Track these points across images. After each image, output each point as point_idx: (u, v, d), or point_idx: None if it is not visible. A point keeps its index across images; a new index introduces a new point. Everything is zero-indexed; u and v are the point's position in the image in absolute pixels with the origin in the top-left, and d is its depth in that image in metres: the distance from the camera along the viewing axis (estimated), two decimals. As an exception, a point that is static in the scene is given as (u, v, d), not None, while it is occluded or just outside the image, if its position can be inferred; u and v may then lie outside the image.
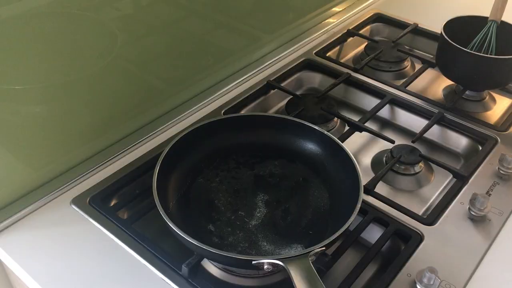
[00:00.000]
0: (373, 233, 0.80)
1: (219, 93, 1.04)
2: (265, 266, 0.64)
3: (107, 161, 0.88)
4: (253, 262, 0.64)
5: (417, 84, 1.11)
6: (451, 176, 0.92)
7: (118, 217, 0.79)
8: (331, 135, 0.83)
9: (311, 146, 0.86)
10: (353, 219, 0.69)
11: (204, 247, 0.65)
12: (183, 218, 0.76)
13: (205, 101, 1.01)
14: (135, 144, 0.91)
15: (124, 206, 0.82)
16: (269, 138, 0.87)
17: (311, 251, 0.65)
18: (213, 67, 1.06)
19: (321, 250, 0.66)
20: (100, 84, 0.85)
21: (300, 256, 0.64)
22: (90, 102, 0.85)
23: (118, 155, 0.89)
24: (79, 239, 0.76)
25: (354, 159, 0.78)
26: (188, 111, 0.99)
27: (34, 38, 0.73)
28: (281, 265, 0.63)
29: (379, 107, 1.02)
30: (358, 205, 0.71)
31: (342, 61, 1.19)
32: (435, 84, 1.14)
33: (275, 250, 0.72)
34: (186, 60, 1.00)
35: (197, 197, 0.80)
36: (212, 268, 0.76)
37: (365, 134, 0.99)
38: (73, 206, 0.80)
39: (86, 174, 0.85)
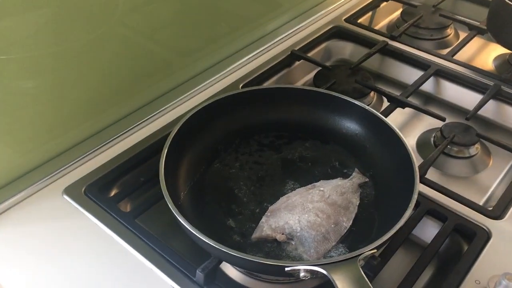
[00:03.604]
0: (426, 229, 0.67)
1: (236, 64, 0.90)
2: (302, 274, 0.51)
3: (107, 144, 0.75)
4: (286, 269, 0.51)
5: (463, 55, 0.96)
6: (512, 159, 0.78)
7: (119, 210, 0.66)
8: (375, 111, 0.69)
9: (348, 124, 0.72)
10: (410, 213, 0.56)
11: (224, 249, 0.52)
12: (196, 212, 0.63)
13: (220, 74, 0.88)
14: (139, 124, 0.79)
15: (126, 196, 0.69)
16: (298, 115, 0.74)
17: (360, 254, 0.51)
18: (229, 36, 0.93)
19: (371, 253, 0.52)
20: (98, 55, 0.73)
21: (346, 262, 0.50)
22: (87, 76, 0.73)
23: (119, 136, 0.77)
24: (72, 236, 0.64)
25: (404, 139, 0.65)
26: (201, 85, 0.86)
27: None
28: (322, 273, 0.50)
29: (422, 80, 0.87)
30: (415, 196, 0.58)
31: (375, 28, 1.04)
32: (483, 54, 1.00)
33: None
34: (197, 28, 0.87)
35: (214, 185, 0.67)
36: (232, 271, 0.63)
37: (407, 111, 0.85)
38: (66, 197, 0.68)
39: (82, 158, 0.73)
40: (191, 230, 0.54)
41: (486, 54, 0.99)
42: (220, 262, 0.58)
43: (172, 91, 0.84)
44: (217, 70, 0.89)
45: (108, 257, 0.61)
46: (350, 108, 0.71)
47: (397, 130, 0.66)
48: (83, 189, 0.69)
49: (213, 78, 0.87)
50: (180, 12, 0.83)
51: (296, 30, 0.99)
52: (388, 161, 0.67)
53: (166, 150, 0.63)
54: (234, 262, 0.57)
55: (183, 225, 0.55)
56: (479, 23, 1.01)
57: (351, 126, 0.72)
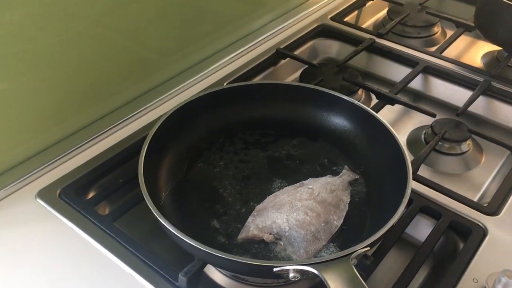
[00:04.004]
0: (419, 228, 0.64)
1: (220, 63, 0.87)
2: (291, 274, 0.48)
3: (84, 144, 0.71)
4: (274, 269, 0.48)
5: (451, 53, 0.94)
6: (505, 156, 0.76)
7: (96, 213, 0.62)
8: (364, 106, 0.66)
9: (337, 121, 0.70)
10: (403, 209, 0.53)
11: (208, 250, 0.49)
12: (178, 213, 0.60)
13: (203, 73, 0.85)
14: (119, 123, 0.75)
15: (104, 199, 0.65)
16: (284, 112, 0.71)
17: (352, 252, 0.48)
18: (212, 35, 0.89)
19: (364, 251, 0.49)
20: (74, 55, 0.70)
21: (338, 260, 0.47)
22: (62, 76, 0.69)
23: (98, 136, 0.73)
24: (46, 242, 0.60)
25: (395, 133, 0.62)
26: (184, 84, 0.82)
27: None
28: (313, 272, 0.47)
29: (411, 77, 0.85)
30: (408, 191, 0.55)
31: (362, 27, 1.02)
32: (471, 51, 0.98)
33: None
34: (180, 28, 0.84)
35: (197, 185, 0.64)
36: (217, 275, 0.59)
37: (396, 108, 0.82)
38: (39, 200, 0.64)
39: (57, 160, 0.69)
40: (173, 231, 0.50)
41: (474, 52, 0.98)
42: (204, 265, 0.54)
43: (153, 90, 0.80)
44: (200, 68, 0.85)
45: (85, 263, 0.57)
46: (339, 104, 0.69)
47: (388, 125, 0.63)
48: (57, 192, 0.64)
49: (196, 77, 0.84)
50: (161, 12, 0.80)
51: (281, 28, 0.97)
52: (379, 157, 0.64)
53: (145, 149, 0.59)
54: (219, 264, 0.54)
55: (164, 225, 0.51)
56: (466, 20, 0.99)
57: (339, 122, 0.69)
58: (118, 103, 0.77)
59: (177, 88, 0.81)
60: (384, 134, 0.63)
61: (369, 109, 0.66)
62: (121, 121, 0.75)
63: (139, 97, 0.79)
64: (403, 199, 0.54)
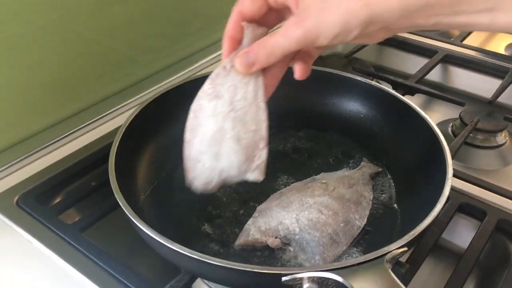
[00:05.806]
0: (459, 231, 0.52)
1: (209, 58, 0.77)
2: (306, 285, 0.36)
3: (50, 145, 0.61)
4: (283, 278, 0.36)
5: (471, 44, 0.84)
6: (547, 148, 0.65)
7: (60, 222, 0.51)
8: (385, 87, 0.56)
9: (351, 107, 0.59)
10: (445, 200, 0.42)
11: (196, 256, 0.37)
12: (161, 216, 0.49)
13: (192, 67, 0.75)
14: (93, 122, 0.65)
15: (72, 206, 0.54)
16: (287, 100, 0.60)
17: (387, 253, 0.36)
18: (200, 32, 0.80)
19: (401, 252, 0.38)
20: (46, 45, 0.60)
21: (370, 264, 0.35)
22: (26, 70, 0.59)
23: (66, 136, 0.62)
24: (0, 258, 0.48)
25: (426, 116, 0.51)
26: (168, 80, 0.73)
27: None
28: (337, 280, 0.35)
29: (430, 66, 0.75)
30: (448, 180, 0.44)
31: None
32: (493, 43, 0.88)
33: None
34: (165, 27, 0.75)
35: (184, 185, 0.51)
36: (209, 294, 0.47)
37: (415, 100, 0.71)
38: (-8, 210, 0.52)
39: (16, 163, 0.58)
40: (150, 233, 0.39)
41: (495, 44, 0.88)
42: (193, 280, 0.43)
43: (133, 86, 0.71)
44: (188, 63, 0.76)
45: (46, 282, 0.46)
46: (352, 87, 0.58)
47: (417, 107, 0.52)
48: (15, 199, 0.53)
49: (183, 72, 0.74)
50: (146, 12, 0.71)
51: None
52: (406, 146, 0.53)
53: (117, 141, 0.49)
54: (211, 275, 0.41)
55: (139, 227, 0.40)
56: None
57: (354, 108, 0.58)
58: (93, 99, 0.66)
59: (160, 85, 0.71)
60: (411, 119, 0.53)
61: (392, 90, 0.55)
62: (96, 118, 0.65)
63: (118, 93, 0.69)
64: (444, 190, 0.43)
